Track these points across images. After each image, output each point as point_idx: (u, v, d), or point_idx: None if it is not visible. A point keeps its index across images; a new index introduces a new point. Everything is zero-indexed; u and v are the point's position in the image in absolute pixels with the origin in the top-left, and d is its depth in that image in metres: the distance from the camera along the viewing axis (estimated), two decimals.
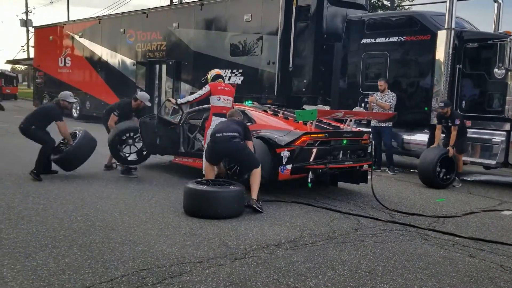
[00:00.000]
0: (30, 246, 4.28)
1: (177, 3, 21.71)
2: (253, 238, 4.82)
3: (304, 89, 11.93)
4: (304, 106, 11.48)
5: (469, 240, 5.16)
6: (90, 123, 18.02)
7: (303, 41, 11.88)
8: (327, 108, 11.16)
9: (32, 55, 29.52)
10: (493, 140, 8.79)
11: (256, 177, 6.01)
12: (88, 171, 8.02)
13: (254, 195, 5.95)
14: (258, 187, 6.00)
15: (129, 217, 5.36)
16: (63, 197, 6.18)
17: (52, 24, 22.14)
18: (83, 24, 19.91)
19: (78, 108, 19.69)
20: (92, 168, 8.35)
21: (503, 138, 8.67)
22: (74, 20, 21.54)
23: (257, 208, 5.82)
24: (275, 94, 12.27)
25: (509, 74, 8.60)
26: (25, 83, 61.92)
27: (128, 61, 17.30)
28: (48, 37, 21.67)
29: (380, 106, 9.62)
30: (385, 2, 27.47)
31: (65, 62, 20.60)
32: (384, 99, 9.66)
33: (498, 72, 8.71)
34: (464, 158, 8.85)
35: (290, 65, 12.01)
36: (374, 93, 9.88)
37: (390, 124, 9.48)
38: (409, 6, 27.12)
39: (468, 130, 8.83)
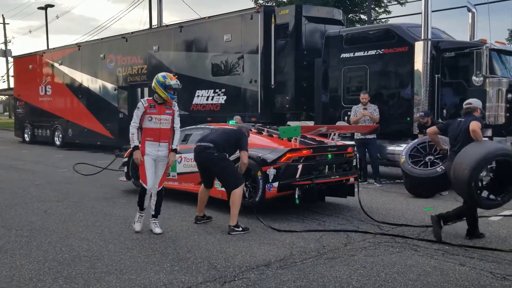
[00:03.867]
0: (14, 281, 4.16)
1: (156, 26, 21.76)
2: (242, 259, 4.76)
3: (287, 106, 12.00)
4: (289, 122, 11.53)
5: (459, 248, 5.16)
6: (73, 151, 17.88)
7: (284, 58, 11.98)
8: (311, 123, 11.22)
9: (12, 85, 29.26)
10: None
11: (234, 198, 5.78)
12: (71, 200, 7.89)
13: (232, 221, 5.74)
14: (237, 210, 5.75)
15: (114, 245, 5.25)
16: (47, 228, 6.05)
17: (31, 53, 22.03)
18: (62, 52, 19.84)
19: (60, 135, 19.53)
20: (75, 196, 8.23)
21: None
22: (54, 48, 21.44)
23: (241, 231, 5.67)
24: (259, 111, 12.31)
25: (487, 81, 8.75)
26: (7, 113, 61.25)
27: (110, 86, 17.24)
28: (28, 66, 21.55)
29: (372, 119, 9.67)
30: (362, 16, 27.89)
31: (45, 91, 20.45)
32: (371, 112, 9.74)
33: (476, 79, 8.86)
34: None
35: (272, 83, 12.09)
36: (361, 107, 9.89)
37: (375, 135, 9.56)
38: (386, 19, 27.57)
39: None
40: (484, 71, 8.73)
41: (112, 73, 17.15)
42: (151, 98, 5.92)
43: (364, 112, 9.78)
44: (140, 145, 5.75)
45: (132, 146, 5.78)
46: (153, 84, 5.84)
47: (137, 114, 5.76)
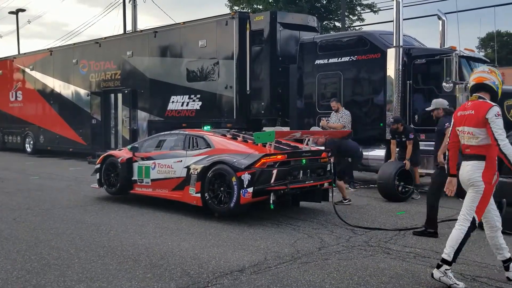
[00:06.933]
0: None
1: (130, 31, 21.56)
2: (216, 265, 4.72)
3: (262, 111, 12.03)
4: (264, 128, 11.55)
5: (430, 251, 5.24)
6: (44, 158, 17.52)
7: (259, 64, 12.02)
8: (287, 129, 11.27)
9: None
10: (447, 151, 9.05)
11: None
12: (42, 208, 7.72)
13: None
14: None
15: (86, 252, 5.14)
16: (16, 236, 5.89)
17: (1, 58, 21.55)
18: (34, 57, 19.46)
19: (31, 142, 19.12)
20: (46, 203, 8.06)
21: None
22: (25, 53, 21.04)
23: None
24: (234, 117, 12.29)
25: (456, 87, 8.95)
26: None
27: (82, 91, 16.98)
28: None
29: (332, 128, 9.73)
30: (337, 24, 28.22)
31: (16, 96, 20.04)
32: (338, 118, 9.84)
33: (446, 85, 9.05)
34: (420, 170, 9.06)
35: (248, 89, 12.11)
36: (325, 118, 10.04)
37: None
38: (359, 27, 27.96)
39: (422, 142, 9.08)
40: (454, 77, 8.93)
41: (85, 79, 16.91)
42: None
43: (322, 123, 9.90)
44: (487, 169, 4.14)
45: None
46: (496, 84, 4.20)
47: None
